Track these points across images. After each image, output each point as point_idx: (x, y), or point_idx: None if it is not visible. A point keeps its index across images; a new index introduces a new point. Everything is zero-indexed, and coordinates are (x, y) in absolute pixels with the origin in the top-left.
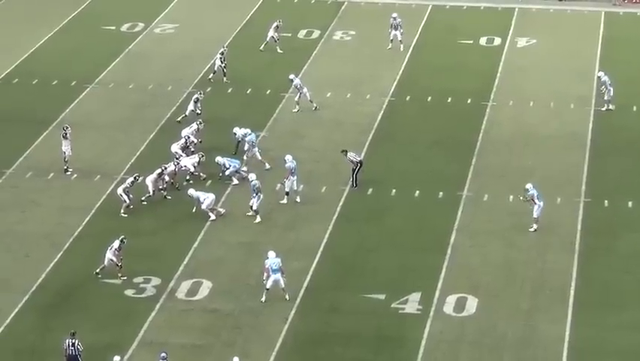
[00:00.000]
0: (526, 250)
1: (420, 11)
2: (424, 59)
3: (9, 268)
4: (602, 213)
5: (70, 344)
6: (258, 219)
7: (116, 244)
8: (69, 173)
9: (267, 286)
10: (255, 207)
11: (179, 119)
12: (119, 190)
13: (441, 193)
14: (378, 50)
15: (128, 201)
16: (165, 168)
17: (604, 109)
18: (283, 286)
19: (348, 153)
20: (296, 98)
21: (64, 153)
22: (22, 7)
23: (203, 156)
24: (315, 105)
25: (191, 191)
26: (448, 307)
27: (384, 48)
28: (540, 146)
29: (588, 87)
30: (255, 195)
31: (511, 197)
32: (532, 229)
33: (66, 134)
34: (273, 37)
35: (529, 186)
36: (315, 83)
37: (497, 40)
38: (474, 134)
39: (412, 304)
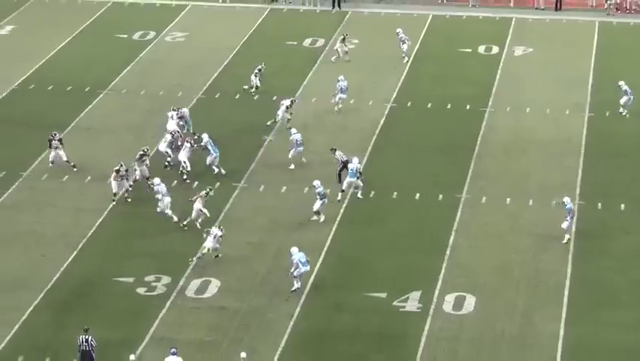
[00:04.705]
0: (523, 251)
1: (421, 21)
2: (425, 67)
3: (25, 267)
4: (596, 215)
5: (84, 340)
6: (322, 218)
7: (203, 193)
8: (76, 169)
9: (295, 275)
10: (315, 209)
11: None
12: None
13: (440, 196)
14: (381, 57)
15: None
16: (192, 143)
17: (623, 113)
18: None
19: (337, 152)
20: (335, 100)
21: (62, 158)
22: (38, 16)
23: (194, 143)
24: (338, 108)
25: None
26: (447, 306)
27: (386, 56)
28: (536, 151)
29: (583, 94)
30: (319, 199)
31: (508, 199)
32: (564, 241)
33: (60, 141)
34: (253, 81)
35: (566, 199)
36: (320, 90)
37: (495, 49)
38: (472, 139)
39: (412, 302)
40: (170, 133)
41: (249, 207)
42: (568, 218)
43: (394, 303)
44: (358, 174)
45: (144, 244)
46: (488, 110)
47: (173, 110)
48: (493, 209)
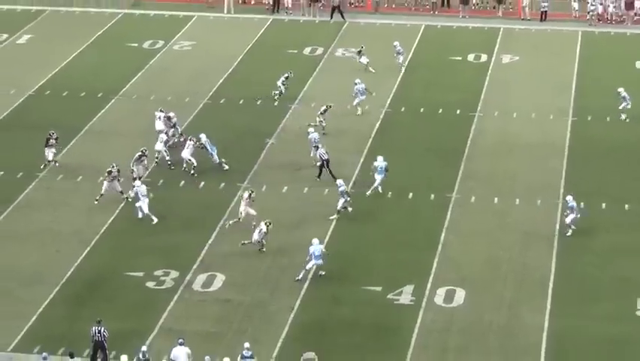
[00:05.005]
0: (510, 247)
1: (414, 30)
2: (418, 74)
3: (42, 263)
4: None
5: (97, 331)
6: (335, 216)
7: (246, 194)
8: (58, 165)
9: (307, 267)
10: (338, 207)
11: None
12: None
13: (432, 196)
14: (376, 65)
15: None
16: (195, 141)
17: (623, 118)
18: (319, 270)
19: (319, 150)
20: (355, 102)
21: (48, 156)
22: (53, 27)
23: (196, 141)
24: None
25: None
26: (439, 299)
27: (382, 64)
28: (522, 153)
29: (566, 100)
30: (342, 197)
31: (496, 199)
32: (568, 233)
33: (56, 140)
34: (280, 87)
35: (569, 198)
36: (319, 95)
37: (484, 57)
38: (462, 142)
39: (405, 295)
40: (165, 133)
41: (252, 206)
42: (571, 213)
43: (389, 296)
44: (385, 172)
45: (153, 240)
46: (477, 114)
47: (161, 110)
48: (481, 208)
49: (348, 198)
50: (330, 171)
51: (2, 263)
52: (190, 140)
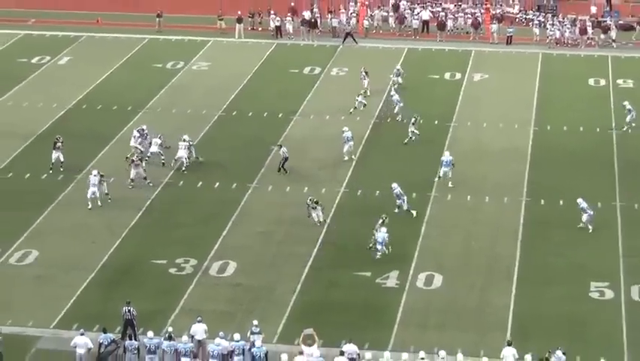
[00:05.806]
0: (481, 239)
1: (398, 53)
2: (401, 90)
3: (79, 252)
4: (540, 210)
5: (127, 310)
6: (414, 213)
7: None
8: (62, 170)
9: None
10: (405, 208)
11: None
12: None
13: (414, 194)
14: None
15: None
16: (182, 140)
17: (624, 129)
18: (385, 250)
19: (282, 148)
20: (395, 110)
21: (60, 159)
22: (90, 49)
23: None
24: (400, 117)
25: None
26: (420, 283)
27: (372, 81)
28: (491, 158)
29: (529, 112)
30: (399, 199)
31: (469, 197)
32: (590, 230)
33: (62, 144)
34: (360, 102)
35: (579, 200)
36: (317, 109)
37: (458, 76)
38: (440, 148)
39: (391, 280)
40: (159, 137)
41: (259, 204)
42: (584, 213)
43: (377, 280)
44: (451, 165)
45: (175, 233)
46: (452, 125)
47: (138, 132)
48: (456, 205)
49: (405, 198)
50: (284, 168)
51: (46, 253)
52: (183, 140)
